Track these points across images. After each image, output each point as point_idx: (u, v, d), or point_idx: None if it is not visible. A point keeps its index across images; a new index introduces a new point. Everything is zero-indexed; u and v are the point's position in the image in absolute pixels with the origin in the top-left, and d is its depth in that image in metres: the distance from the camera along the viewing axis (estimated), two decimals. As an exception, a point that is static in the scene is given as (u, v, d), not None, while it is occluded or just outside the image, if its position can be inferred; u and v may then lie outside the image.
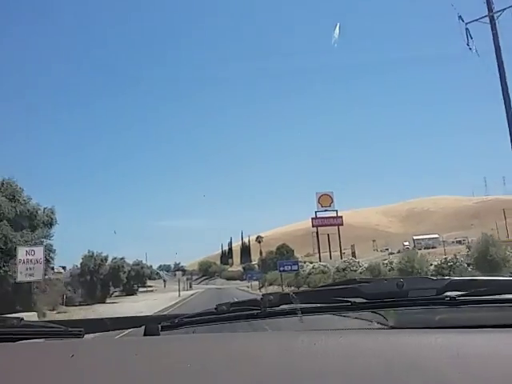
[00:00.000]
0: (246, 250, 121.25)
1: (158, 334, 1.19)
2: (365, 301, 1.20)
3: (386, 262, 30.51)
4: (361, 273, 29.81)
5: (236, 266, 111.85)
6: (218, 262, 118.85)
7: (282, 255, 73.38)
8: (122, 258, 42.40)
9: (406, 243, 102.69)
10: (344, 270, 30.01)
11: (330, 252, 45.13)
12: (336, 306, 1.24)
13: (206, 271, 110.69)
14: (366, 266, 30.41)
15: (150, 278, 71.12)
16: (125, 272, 42.60)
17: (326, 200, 46.81)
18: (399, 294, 1.19)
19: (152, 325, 1.22)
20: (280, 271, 35.38)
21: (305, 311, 1.20)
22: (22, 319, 1.20)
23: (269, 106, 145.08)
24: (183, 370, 0.81)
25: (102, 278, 37.72)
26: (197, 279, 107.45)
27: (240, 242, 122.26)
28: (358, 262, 33.12)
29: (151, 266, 77.39)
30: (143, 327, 1.22)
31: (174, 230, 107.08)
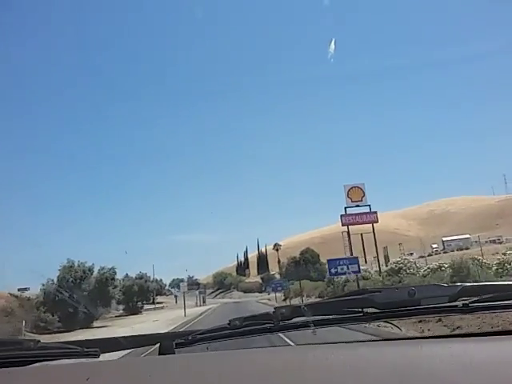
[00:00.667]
0: (263, 260, 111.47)
1: (173, 352, 1.23)
2: (377, 311, 1.23)
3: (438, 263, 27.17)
4: (424, 276, 24.57)
5: (253, 277, 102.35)
6: (234, 274, 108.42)
7: (307, 261, 66.20)
8: (111, 268, 35.65)
9: (435, 245, 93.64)
10: (398, 272, 21.37)
11: (364, 255, 37.90)
12: (348, 317, 1.27)
13: (221, 284, 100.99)
14: (429, 266, 26.87)
15: (160, 294, 68.30)
16: (116, 286, 36.08)
17: (356, 193, 37.96)
18: (411, 303, 1.21)
19: (166, 342, 1.27)
20: (332, 275, 26.19)
21: (317, 323, 1.24)
22: (39, 341, 1.24)
23: (278, 112, 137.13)
24: None
25: (86, 295, 30.47)
26: (211, 293, 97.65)
27: (256, 252, 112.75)
28: (415, 263, 24.59)
29: (161, 280, 74.54)
30: (158, 345, 1.28)
31: (185, 245, 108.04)
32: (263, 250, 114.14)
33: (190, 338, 1.28)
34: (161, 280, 75.76)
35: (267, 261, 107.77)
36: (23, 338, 11.53)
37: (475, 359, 0.84)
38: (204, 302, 60.01)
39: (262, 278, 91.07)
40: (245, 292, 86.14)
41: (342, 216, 38.09)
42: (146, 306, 55.74)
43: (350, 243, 38.66)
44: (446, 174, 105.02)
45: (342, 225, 40.29)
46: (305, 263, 61.95)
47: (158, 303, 64.79)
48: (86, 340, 1.40)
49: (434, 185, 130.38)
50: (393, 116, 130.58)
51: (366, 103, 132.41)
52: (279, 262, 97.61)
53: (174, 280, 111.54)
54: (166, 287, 76.04)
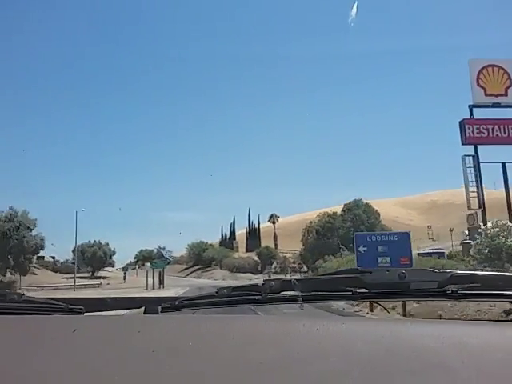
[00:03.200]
0: (254, 233, 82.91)
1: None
2: (366, 291, 1.26)
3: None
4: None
5: (243, 254, 74.04)
6: (217, 246, 79.76)
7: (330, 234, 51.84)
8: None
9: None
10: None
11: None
12: (337, 295, 1.30)
13: (198, 258, 72.80)
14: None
15: (108, 265, 61.02)
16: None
17: (495, 80, 8.86)
18: (401, 286, 1.23)
19: (152, 306, 1.30)
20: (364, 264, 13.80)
21: (306, 298, 1.26)
22: (23, 294, 1.29)
23: (281, 102, 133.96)
24: (185, 349, 0.85)
25: None
26: (184, 269, 68.51)
27: (244, 230, 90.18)
28: None
29: (110, 248, 61.27)
30: (143, 308, 1.30)
31: (168, 223, 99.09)
32: (255, 224, 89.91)
33: (176, 303, 1.32)
34: (111, 248, 61.85)
35: (260, 235, 79.28)
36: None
37: (465, 340, 0.85)
38: (161, 283, 41.08)
39: (258, 254, 63.45)
40: (232, 271, 60.10)
41: (463, 124, 10.62)
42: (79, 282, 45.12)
43: (480, 179, 11.77)
44: (448, 166, 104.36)
45: (464, 142, 22.07)
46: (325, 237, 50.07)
47: (99, 278, 52.40)
48: (71, 298, 1.45)
49: (435, 175, 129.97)
50: (396, 101, 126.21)
51: (368, 88, 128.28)
52: (275, 237, 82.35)
53: (142, 251, 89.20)
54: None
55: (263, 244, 73.17)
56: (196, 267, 73.65)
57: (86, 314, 1.26)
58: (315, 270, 35.86)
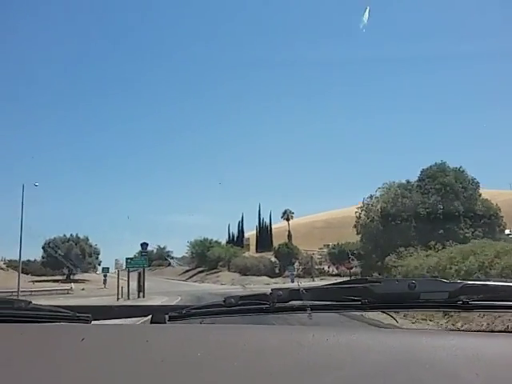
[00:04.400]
0: (265, 232, 70.08)
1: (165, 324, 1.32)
2: (375, 301, 1.28)
3: None
4: None
5: (254, 254, 61.95)
6: (224, 244, 67.65)
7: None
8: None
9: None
10: None
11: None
12: (346, 305, 1.31)
13: (201, 259, 60.59)
14: None
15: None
16: None
17: None
18: (411, 296, 1.24)
19: (159, 314, 1.33)
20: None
21: (314, 308, 1.28)
22: (30, 302, 1.32)
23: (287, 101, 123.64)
24: (194, 359, 0.87)
25: None
26: (187, 271, 56.09)
27: (254, 231, 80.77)
28: None
29: (96, 246, 51.96)
30: (149, 317, 1.35)
31: (180, 225, 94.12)
32: (266, 222, 79.64)
33: (183, 311, 1.33)
34: (92, 245, 52.38)
35: (271, 234, 66.75)
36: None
37: (479, 352, 0.85)
38: (141, 289, 29.16)
39: (276, 252, 50.86)
40: (242, 273, 47.65)
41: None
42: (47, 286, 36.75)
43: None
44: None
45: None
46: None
47: (75, 281, 42.97)
48: (78, 305, 1.52)
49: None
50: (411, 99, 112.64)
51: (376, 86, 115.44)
52: (290, 236, 68.63)
53: (139, 252, 75.74)
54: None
55: (275, 245, 61.13)
56: (199, 269, 61.40)
57: (93, 322, 1.30)
58: (385, 270, 23.25)
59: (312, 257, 53.88)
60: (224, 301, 1.33)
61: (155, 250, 79.87)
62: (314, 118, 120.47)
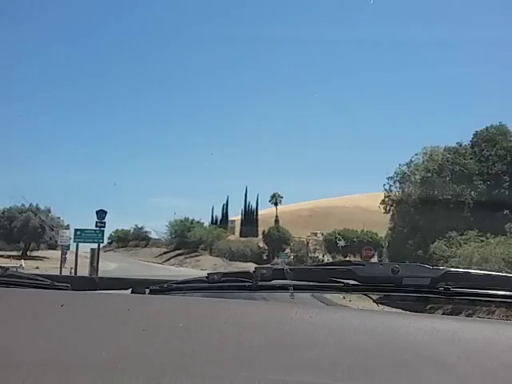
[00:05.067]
0: (250, 216, 64.23)
1: None
2: (358, 283, 1.32)
3: None
4: None
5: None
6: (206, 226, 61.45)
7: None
8: None
9: None
10: None
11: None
12: (329, 286, 1.36)
13: (181, 240, 55.16)
14: None
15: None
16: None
17: None
18: (393, 280, 1.28)
19: (139, 287, 1.35)
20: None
21: (297, 288, 1.32)
22: (8, 269, 1.36)
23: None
24: (176, 329, 0.88)
25: None
26: (164, 253, 50.48)
27: (239, 216, 68.65)
28: None
29: (62, 220, 41.93)
30: (130, 290, 1.36)
31: (163, 209, 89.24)
32: (253, 206, 72.68)
33: (164, 285, 1.34)
34: (55, 218, 43.97)
35: (257, 219, 61.29)
36: None
37: (460, 336, 0.87)
38: (92, 271, 20.80)
39: (265, 237, 45.50)
40: (226, 258, 44.93)
41: None
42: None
43: None
44: None
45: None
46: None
47: (32, 258, 35.87)
48: (58, 275, 2.02)
49: None
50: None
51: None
52: (277, 221, 60.61)
53: (116, 231, 75.16)
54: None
55: (263, 227, 55.70)
56: (178, 252, 55.53)
57: (72, 291, 1.33)
58: (430, 260, 16.86)
59: (308, 243, 48.03)
60: (207, 277, 1.36)
61: (132, 230, 74.62)
62: (310, 104, 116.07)
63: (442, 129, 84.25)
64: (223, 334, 0.85)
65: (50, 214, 44.67)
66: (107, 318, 0.92)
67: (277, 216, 70.11)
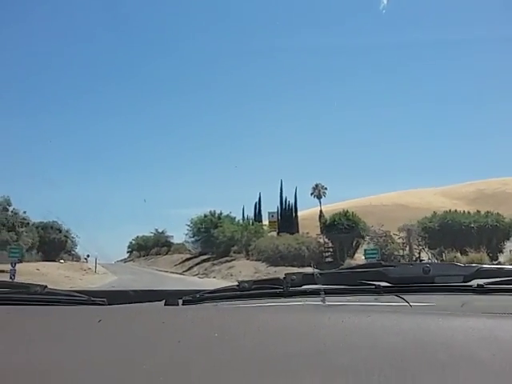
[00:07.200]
0: (289, 216, 48.83)
1: None
2: (389, 285, 1.31)
3: None
4: None
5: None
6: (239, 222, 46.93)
7: None
8: None
9: None
10: None
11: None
12: (360, 289, 1.33)
13: (207, 240, 39.89)
14: None
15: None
16: None
17: None
18: (425, 280, 1.28)
19: (172, 299, 1.37)
20: None
21: (328, 292, 1.29)
22: (46, 286, 1.36)
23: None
24: (211, 339, 0.88)
25: None
26: (187, 260, 36.24)
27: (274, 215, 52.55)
28: None
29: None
30: (163, 301, 1.38)
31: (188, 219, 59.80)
32: (290, 201, 53.66)
33: (197, 296, 1.35)
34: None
35: (297, 215, 46.44)
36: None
37: (495, 333, 0.85)
38: None
39: (326, 227, 30.39)
40: (270, 262, 27.09)
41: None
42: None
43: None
44: (496, 153, 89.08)
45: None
46: None
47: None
48: (94, 290, 1.54)
49: (481, 163, 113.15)
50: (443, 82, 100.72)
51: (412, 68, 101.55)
52: (321, 216, 44.20)
53: (136, 238, 67.46)
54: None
55: (302, 230, 40.87)
56: (204, 257, 42.04)
57: (108, 306, 1.32)
58: None
59: (389, 235, 28.98)
60: (238, 285, 1.36)
61: (152, 236, 62.74)
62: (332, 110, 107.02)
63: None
64: (257, 342, 0.84)
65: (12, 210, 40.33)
66: (144, 332, 0.92)
67: (321, 211, 55.40)
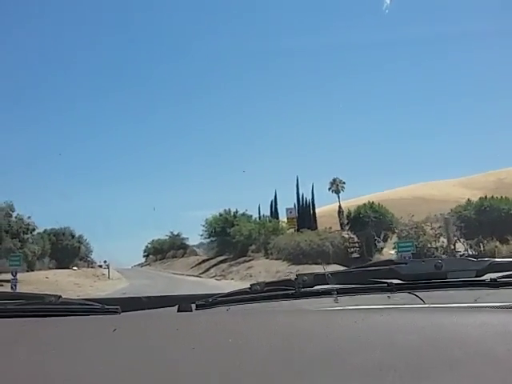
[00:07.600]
0: (306, 213, 46.33)
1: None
2: (402, 282, 1.32)
3: None
4: None
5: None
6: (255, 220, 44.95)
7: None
8: None
9: None
10: None
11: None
12: (372, 287, 1.34)
13: (223, 241, 37.84)
14: None
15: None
16: None
17: None
18: (438, 276, 1.28)
19: (185, 304, 1.37)
20: None
21: (340, 292, 1.31)
22: (60, 296, 1.37)
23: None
24: (226, 345, 0.88)
25: None
26: (203, 262, 34.39)
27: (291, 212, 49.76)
28: None
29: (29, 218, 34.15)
30: (176, 307, 1.38)
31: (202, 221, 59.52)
32: (307, 198, 51.22)
33: (210, 300, 1.36)
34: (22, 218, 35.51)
35: (314, 211, 43.83)
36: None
37: (510, 327, 0.84)
38: None
39: (351, 221, 28.08)
40: (291, 261, 24.60)
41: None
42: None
43: None
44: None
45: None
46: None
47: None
48: (107, 298, 1.55)
49: (499, 151, 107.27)
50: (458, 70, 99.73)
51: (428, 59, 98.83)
52: (340, 212, 42.20)
53: (152, 242, 68.89)
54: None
55: (320, 227, 38.78)
56: (220, 258, 40.14)
57: (122, 313, 1.32)
58: None
59: (449, 220, 25.64)
60: (250, 288, 1.37)
61: (168, 239, 61.28)
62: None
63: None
64: (272, 345, 0.84)
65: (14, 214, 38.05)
66: (159, 339, 0.92)
67: (340, 206, 52.91)
